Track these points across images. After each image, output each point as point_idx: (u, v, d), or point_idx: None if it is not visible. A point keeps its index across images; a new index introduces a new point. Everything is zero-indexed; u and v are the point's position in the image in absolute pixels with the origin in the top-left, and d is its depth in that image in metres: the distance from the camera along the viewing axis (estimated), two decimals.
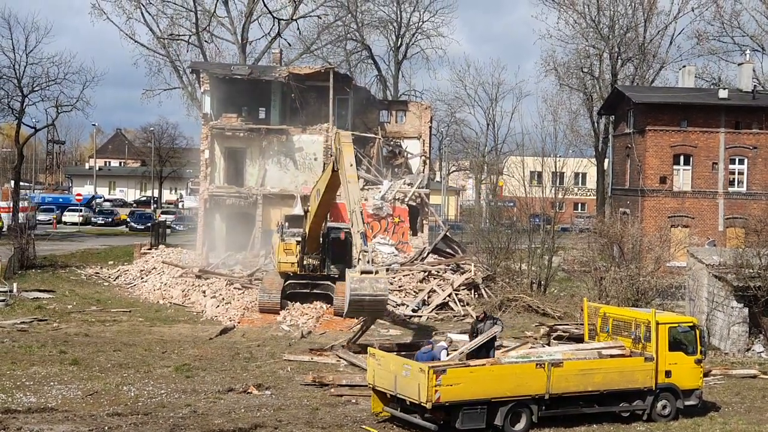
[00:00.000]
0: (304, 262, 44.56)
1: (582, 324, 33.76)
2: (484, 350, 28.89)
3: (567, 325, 39.73)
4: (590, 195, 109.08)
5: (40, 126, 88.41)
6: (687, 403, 28.04)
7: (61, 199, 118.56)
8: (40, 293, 48.84)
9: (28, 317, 42.45)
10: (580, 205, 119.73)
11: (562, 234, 59.24)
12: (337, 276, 44.38)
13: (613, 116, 69.85)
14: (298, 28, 28.33)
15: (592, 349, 28.17)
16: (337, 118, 61.10)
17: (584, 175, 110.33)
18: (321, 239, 44.66)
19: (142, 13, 78.29)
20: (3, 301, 45.37)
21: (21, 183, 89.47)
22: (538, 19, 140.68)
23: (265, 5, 22.52)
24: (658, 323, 27.87)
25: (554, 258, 52.34)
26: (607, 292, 42.78)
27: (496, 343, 30.63)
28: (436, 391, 24.41)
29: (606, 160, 77.97)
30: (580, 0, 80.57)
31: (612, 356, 27.63)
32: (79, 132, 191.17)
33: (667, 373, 27.73)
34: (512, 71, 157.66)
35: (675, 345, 28.12)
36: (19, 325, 40.50)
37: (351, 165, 37.97)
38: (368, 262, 34.17)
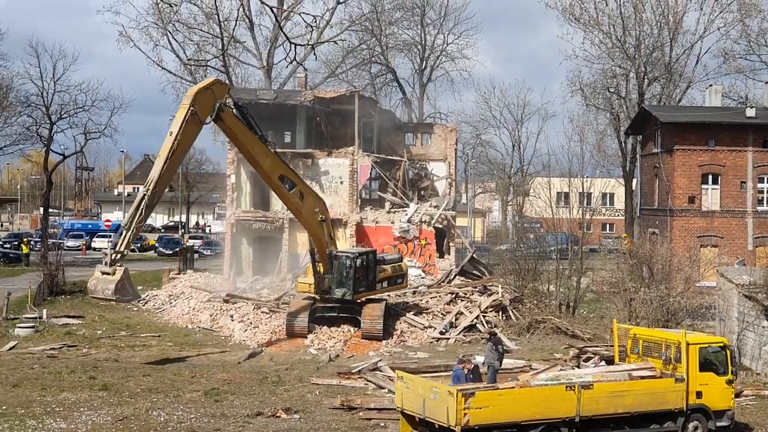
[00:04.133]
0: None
1: (612, 345, 33.60)
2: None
3: (597, 346, 39.51)
4: (618, 215, 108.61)
5: (68, 153, 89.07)
6: (719, 424, 27.81)
7: (90, 225, 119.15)
8: (70, 319, 49.03)
9: (57, 343, 42.63)
10: (608, 225, 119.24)
11: (591, 255, 58.89)
12: (354, 301, 44.50)
13: (640, 136, 69.62)
14: (315, 55, 28.48)
15: (622, 370, 27.99)
16: (363, 141, 61.20)
17: (612, 195, 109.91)
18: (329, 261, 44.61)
19: (168, 41, 78.79)
20: (33, 327, 45.59)
21: (50, 210, 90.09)
22: (563, 39, 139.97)
23: (282, 31, 22.53)
24: (688, 344, 27.68)
25: (583, 279, 52.05)
26: (636, 313, 42.55)
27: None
28: (465, 414, 24.28)
29: (634, 180, 77.63)
30: (605, 20, 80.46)
31: (642, 378, 27.43)
32: (107, 158, 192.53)
33: (698, 394, 27.52)
34: (538, 92, 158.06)
35: (706, 366, 27.92)
36: (48, 351, 40.67)
37: (170, 134, 37.71)
38: (106, 263, 37.66)
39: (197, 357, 40.84)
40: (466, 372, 28.93)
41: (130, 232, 37.89)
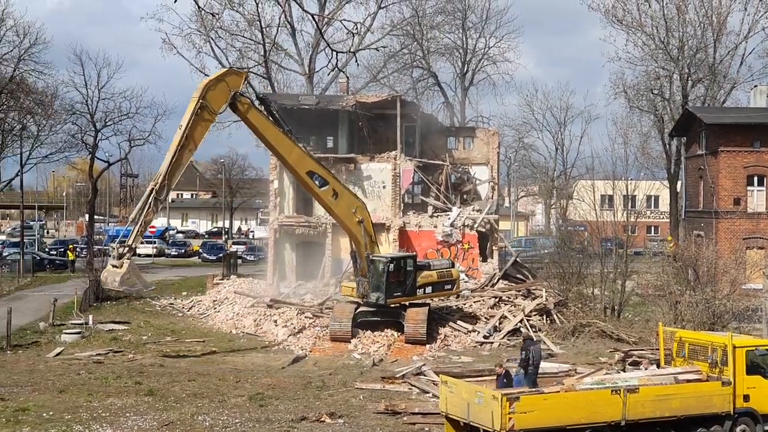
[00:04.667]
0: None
1: (657, 349, 33.36)
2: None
3: (642, 350, 39.24)
4: (663, 218, 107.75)
5: (113, 160, 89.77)
6: (767, 427, 27.51)
7: None
8: (116, 325, 49.44)
9: (103, 349, 42.98)
10: (653, 228, 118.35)
11: (635, 258, 58.44)
12: (388, 305, 44.56)
13: (684, 138, 69.04)
14: (356, 62, 28.29)
15: (668, 374, 27.78)
16: (405, 146, 61.17)
17: (657, 197, 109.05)
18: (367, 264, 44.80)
19: (211, 47, 79.04)
20: (79, 333, 46.02)
21: (95, 216, 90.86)
22: (606, 41, 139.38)
23: (323, 38, 22.51)
24: (735, 347, 27.45)
25: (628, 282, 51.66)
26: (682, 316, 42.22)
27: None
28: (509, 418, 24.20)
29: (679, 183, 77.01)
30: (648, 22, 79.78)
31: (688, 381, 27.22)
32: (151, 165, 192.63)
33: (746, 398, 27.27)
34: (581, 94, 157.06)
35: (753, 369, 27.66)
36: (94, 357, 41.01)
37: (180, 127, 38.93)
38: (114, 257, 39.10)
39: (242, 361, 41.00)
40: (496, 377, 28.92)
41: (138, 226, 38.78)
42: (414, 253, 49.20)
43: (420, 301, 45.55)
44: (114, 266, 38.68)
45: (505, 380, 28.69)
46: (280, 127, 41.63)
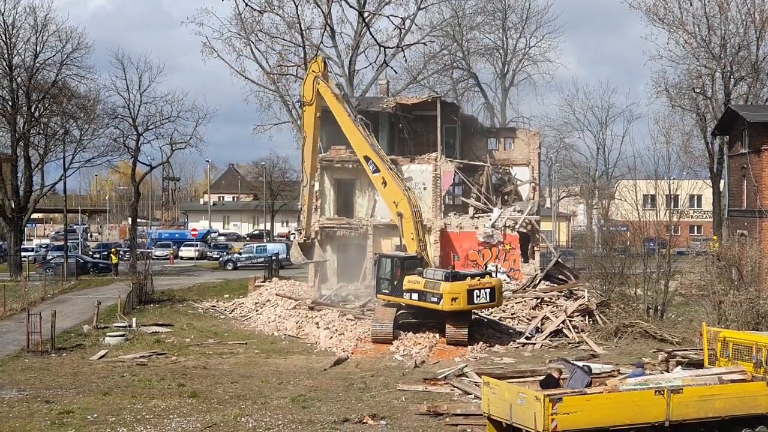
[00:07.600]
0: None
1: (701, 349, 33.10)
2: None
3: (686, 350, 38.93)
4: (706, 217, 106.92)
5: (155, 163, 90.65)
6: None
7: (177, 235, 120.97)
8: (159, 327, 49.76)
9: (147, 351, 43.24)
10: (696, 227, 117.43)
11: (678, 258, 57.98)
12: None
13: (727, 136, 68.44)
14: (404, 57, 28.43)
15: (712, 374, 27.54)
16: (445, 147, 61.15)
17: (699, 197, 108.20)
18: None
19: (251, 50, 79.58)
20: (123, 336, 46.34)
21: (138, 220, 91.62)
22: (648, 40, 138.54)
23: (371, 35, 22.54)
24: None
25: (671, 282, 51.26)
26: (726, 316, 41.86)
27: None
28: (552, 419, 24.07)
29: (721, 182, 76.37)
30: (690, 20, 79.26)
31: (733, 381, 26.96)
32: (193, 168, 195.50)
33: None
34: (623, 94, 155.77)
35: None
36: (138, 360, 41.28)
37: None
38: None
39: (285, 363, 41.13)
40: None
41: (301, 215, 52.77)
42: (410, 254, 46.13)
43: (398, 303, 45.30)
44: (299, 243, 52.15)
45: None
46: (349, 112, 48.51)
